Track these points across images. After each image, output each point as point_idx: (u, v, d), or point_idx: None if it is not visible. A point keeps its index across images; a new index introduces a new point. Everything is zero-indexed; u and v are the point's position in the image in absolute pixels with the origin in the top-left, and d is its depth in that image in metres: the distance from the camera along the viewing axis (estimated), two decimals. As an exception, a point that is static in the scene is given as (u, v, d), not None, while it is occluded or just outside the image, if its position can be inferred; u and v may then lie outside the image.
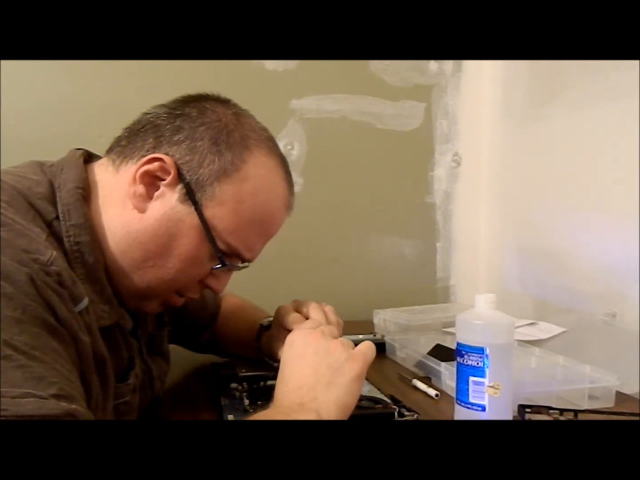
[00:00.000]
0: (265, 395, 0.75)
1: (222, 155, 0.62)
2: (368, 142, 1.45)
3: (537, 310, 1.27)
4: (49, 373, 0.46)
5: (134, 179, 0.62)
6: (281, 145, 1.24)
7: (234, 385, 0.82)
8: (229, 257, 0.65)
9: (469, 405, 0.68)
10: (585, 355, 0.97)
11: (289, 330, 0.70)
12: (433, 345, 0.94)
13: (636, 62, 0.97)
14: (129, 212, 0.62)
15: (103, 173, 0.65)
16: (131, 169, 0.62)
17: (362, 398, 0.61)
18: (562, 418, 0.71)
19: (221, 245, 0.64)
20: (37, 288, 0.48)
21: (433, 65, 1.48)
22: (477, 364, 0.66)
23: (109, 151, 0.66)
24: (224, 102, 0.67)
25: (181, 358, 0.94)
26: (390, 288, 1.47)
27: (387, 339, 1.07)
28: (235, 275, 0.71)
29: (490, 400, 0.66)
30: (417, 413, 0.72)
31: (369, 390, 0.78)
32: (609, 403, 0.78)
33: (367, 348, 0.62)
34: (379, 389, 0.79)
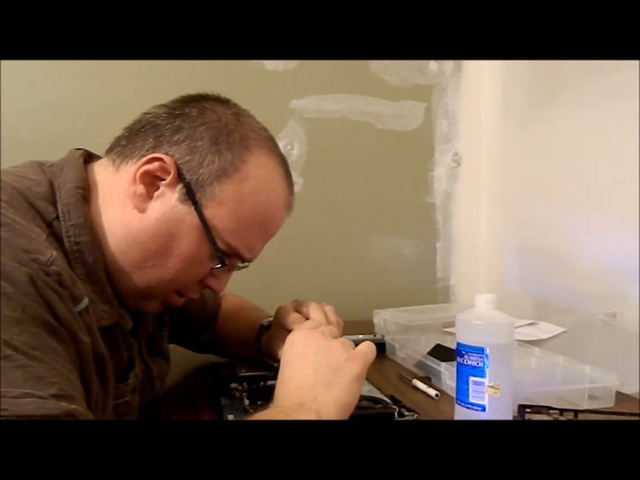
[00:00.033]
0: (265, 395, 0.75)
1: (222, 155, 0.62)
2: (368, 142, 1.45)
3: (537, 310, 1.27)
4: (49, 373, 0.46)
5: (134, 179, 0.62)
6: (281, 145, 1.24)
7: (234, 385, 0.82)
8: (229, 257, 0.65)
9: (469, 405, 0.68)
10: (585, 355, 0.97)
11: (289, 331, 0.70)
12: (433, 345, 0.94)
13: (636, 62, 0.97)
14: (129, 212, 0.62)
15: (103, 173, 0.65)
16: (131, 169, 0.62)
17: (362, 398, 0.61)
18: (562, 418, 0.71)
19: (221, 245, 0.64)
20: (37, 288, 0.48)
21: (433, 65, 1.49)
22: (477, 364, 0.66)
23: (109, 151, 0.66)
24: (224, 102, 0.67)
25: (181, 358, 0.94)
26: (390, 288, 1.47)
27: (387, 339, 1.07)
28: (235, 275, 0.71)
29: (490, 400, 0.66)
30: (417, 413, 0.72)
31: (369, 390, 0.78)
32: (609, 403, 0.78)
33: (367, 348, 0.62)
34: (379, 389, 0.79)
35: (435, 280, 1.53)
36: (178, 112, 0.64)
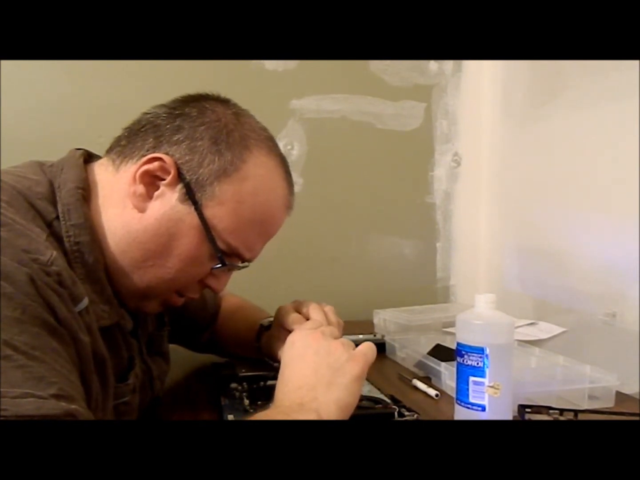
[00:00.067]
0: (265, 395, 0.75)
1: (222, 155, 0.62)
2: (368, 142, 1.45)
3: (537, 310, 1.27)
4: (48, 373, 0.46)
5: (134, 179, 0.62)
6: (281, 145, 1.24)
7: (234, 385, 0.82)
8: (229, 257, 0.65)
9: (469, 405, 0.68)
10: (585, 355, 0.97)
11: (290, 331, 0.70)
12: (433, 345, 0.94)
13: (636, 62, 0.97)
14: (129, 211, 0.62)
15: (103, 173, 0.65)
16: (131, 169, 0.62)
17: (362, 398, 0.61)
18: (562, 418, 0.71)
19: (221, 245, 0.64)
20: (37, 288, 0.48)
21: (433, 65, 1.49)
22: (477, 364, 0.66)
23: (109, 151, 0.66)
24: (224, 102, 0.67)
25: (181, 358, 0.94)
26: (390, 288, 1.47)
27: (387, 339, 1.07)
28: (235, 275, 0.71)
29: (490, 400, 0.66)
30: (417, 413, 0.72)
31: (369, 390, 0.78)
32: (609, 403, 0.78)
33: (367, 348, 0.62)
34: (379, 389, 0.79)
35: (435, 280, 1.53)
36: (178, 112, 0.64)
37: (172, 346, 0.84)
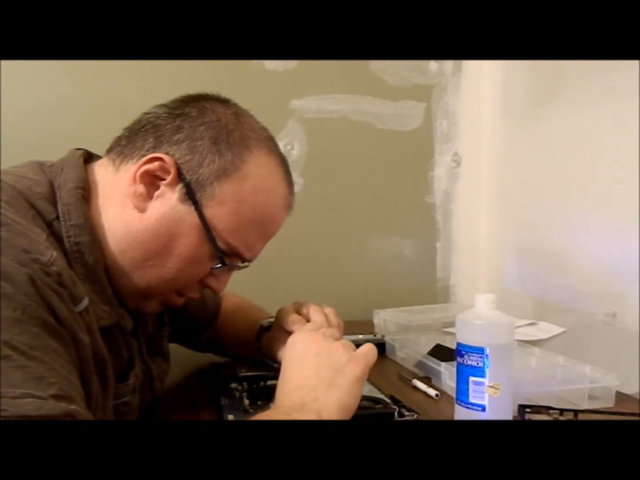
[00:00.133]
0: (265, 395, 0.75)
1: (222, 155, 0.62)
2: (368, 142, 1.45)
3: (537, 310, 1.27)
4: (48, 373, 0.46)
5: (134, 179, 0.62)
6: (281, 145, 1.24)
7: (234, 385, 0.82)
8: (229, 257, 0.65)
9: (469, 405, 0.68)
10: (585, 355, 0.97)
11: (290, 332, 0.70)
12: (433, 345, 0.94)
13: (636, 62, 0.97)
14: (129, 211, 0.62)
15: (103, 173, 0.65)
16: (131, 169, 0.62)
17: (362, 398, 0.61)
18: (562, 418, 0.71)
19: (221, 245, 0.64)
20: (37, 288, 0.48)
21: (433, 65, 1.49)
22: (477, 364, 0.66)
23: (109, 151, 0.66)
24: (224, 102, 0.67)
25: (181, 358, 0.94)
26: (390, 288, 1.47)
27: (387, 339, 1.07)
28: (235, 275, 0.71)
29: (490, 400, 0.66)
30: (417, 413, 0.72)
31: (369, 390, 0.78)
32: (609, 403, 0.78)
33: (368, 350, 0.62)
34: (379, 389, 0.79)
35: (435, 280, 1.53)
36: (178, 112, 0.64)
37: (172, 346, 0.84)
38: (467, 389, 0.67)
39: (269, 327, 0.83)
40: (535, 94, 1.31)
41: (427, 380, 0.88)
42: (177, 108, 0.65)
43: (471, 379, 0.67)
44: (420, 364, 0.94)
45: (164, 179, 0.62)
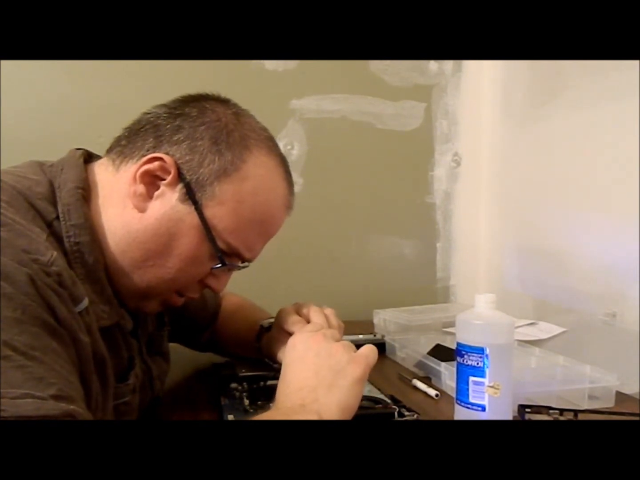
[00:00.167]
0: (265, 395, 0.75)
1: (222, 155, 0.62)
2: (368, 142, 1.45)
3: (537, 310, 1.27)
4: (48, 374, 0.46)
5: (134, 179, 0.62)
6: (281, 145, 1.24)
7: (234, 385, 0.82)
8: (229, 257, 0.65)
9: (469, 405, 0.68)
10: (585, 355, 0.97)
11: (290, 333, 0.70)
12: (433, 345, 0.94)
13: (636, 62, 0.97)
14: (129, 211, 0.62)
15: (103, 173, 0.65)
16: (131, 169, 0.62)
17: (363, 398, 0.61)
18: (562, 418, 0.71)
19: (221, 245, 0.64)
20: (37, 288, 0.48)
21: (433, 65, 1.49)
22: (477, 364, 0.66)
23: (109, 151, 0.66)
24: (224, 102, 0.67)
25: (181, 358, 0.94)
26: (390, 288, 1.47)
27: (387, 339, 1.07)
28: (235, 275, 0.71)
29: (490, 400, 0.66)
30: (417, 413, 0.72)
31: (369, 390, 0.78)
32: (609, 403, 0.78)
33: (369, 351, 0.62)
34: (379, 389, 0.79)
35: (435, 280, 1.53)
36: (178, 112, 0.64)
37: (172, 346, 0.84)
38: (467, 389, 0.67)
39: (269, 328, 0.83)
40: (535, 94, 1.31)
41: (427, 380, 0.88)
42: (177, 108, 0.65)
43: (471, 379, 0.67)
44: (420, 364, 0.94)
45: (164, 179, 0.62)
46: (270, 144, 0.68)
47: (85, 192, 0.62)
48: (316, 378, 0.58)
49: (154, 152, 0.62)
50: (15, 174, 0.60)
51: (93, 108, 1.24)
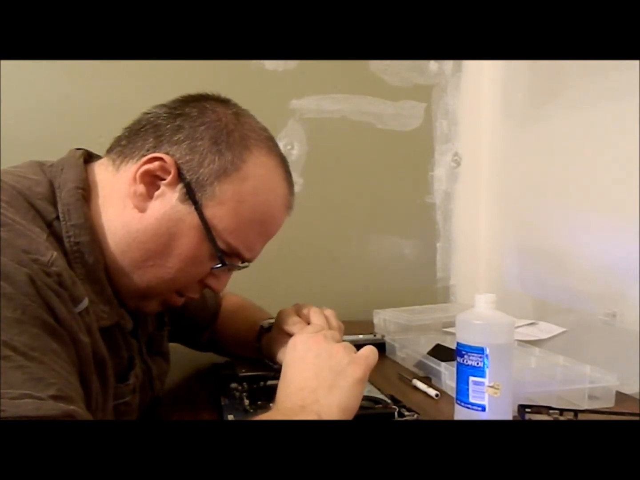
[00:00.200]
0: (265, 395, 0.76)
1: (222, 155, 0.62)
2: (368, 142, 1.45)
3: (537, 310, 1.27)
4: (48, 374, 0.46)
5: (134, 179, 0.62)
6: (281, 145, 1.24)
7: (234, 385, 0.82)
8: (229, 257, 0.65)
9: (469, 405, 0.68)
10: (585, 355, 0.97)
11: (290, 335, 0.70)
12: (433, 345, 0.94)
13: (636, 62, 0.97)
14: (129, 211, 0.62)
15: (103, 173, 0.65)
16: (131, 169, 0.62)
17: (363, 398, 0.61)
18: (562, 418, 0.71)
19: (221, 245, 0.64)
20: (37, 289, 0.48)
21: (433, 65, 1.49)
22: (477, 364, 0.66)
23: (109, 151, 0.66)
24: (224, 102, 0.67)
25: (181, 358, 0.94)
26: (390, 288, 1.47)
27: (387, 339, 1.07)
28: (235, 275, 0.71)
29: (490, 400, 0.66)
30: (417, 413, 0.72)
31: (369, 390, 0.78)
32: (609, 403, 0.78)
33: (369, 352, 0.61)
34: (379, 389, 0.79)
35: (435, 280, 1.53)
36: (178, 112, 0.64)
37: (172, 346, 0.84)
38: (467, 389, 0.67)
39: (269, 328, 0.83)
40: (535, 94, 1.31)
41: (427, 380, 0.88)
42: (178, 108, 0.65)
43: (471, 379, 0.67)
44: (420, 364, 0.94)
45: (164, 179, 0.62)
46: (270, 144, 0.68)
47: (85, 192, 0.62)
48: (316, 379, 0.58)
49: (154, 152, 0.62)
50: (15, 174, 0.60)
51: (93, 108, 1.24)
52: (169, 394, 0.83)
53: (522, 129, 1.36)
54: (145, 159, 0.62)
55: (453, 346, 0.71)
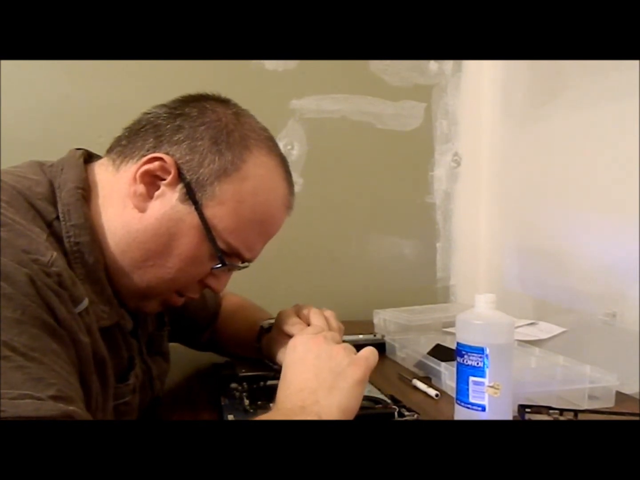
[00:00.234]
0: (265, 395, 0.75)
1: (222, 155, 0.62)
2: (368, 142, 1.45)
3: (537, 310, 1.27)
4: (47, 374, 0.46)
5: (134, 179, 0.62)
6: (281, 145, 1.24)
7: (234, 385, 0.82)
8: (229, 257, 0.65)
9: (469, 405, 0.68)
10: (585, 355, 0.97)
11: (290, 335, 0.70)
12: (433, 345, 0.94)
13: (636, 62, 0.97)
14: (129, 211, 0.62)
15: (103, 173, 0.65)
16: (131, 169, 0.62)
17: (363, 398, 0.61)
18: (562, 418, 0.71)
19: (221, 245, 0.64)
20: (37, 289, 0.48)
21: (433, 65, 1.49)
22: (477, 364, 0.66)
23: (109, 151, 0.66)
24: (224, 102, 0.67)
25: (181, 358, 0.94)
26: (390, 288, 1.47)
27: (387, 339, 1.07)
28: (235, 275, 0.71)
29: (490, 400, 0.66)
30: (417, 413, 0.72)
31: (369, 390, 0.78)
32: (609, 403, 0.78)
33: (369, 353, 0.61)
34: (379, 389, 0.79)
35: (435, 280, 1.53)
36: (178, 112, 0.64)
37: (172, 346, 0.84)
38: (467, 389, 0.67)
39: (269, 329, 0.83)
40: (535, 94, 1.31)
41: (427, 380, 0.88)
42: (178, 108, 0.65)
43: (471, 379, 0.67)
44: (420, 364, 0.94)
45: (164, 179, 0.62)
46: (271, 144, 0.68)
47: (85, 192, 0.62)
48: (316, 380, 0.58)
49: (154, 152, 0.62)
50: (15, 174, 0.60)
51: (93, 108, 1.24)
52: (169, 394, 0.83)
53: (522, 129, 1.36)
54: (145, 159, 0.62)
55: (453, 346, 0.71)
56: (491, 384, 0.66)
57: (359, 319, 1.21)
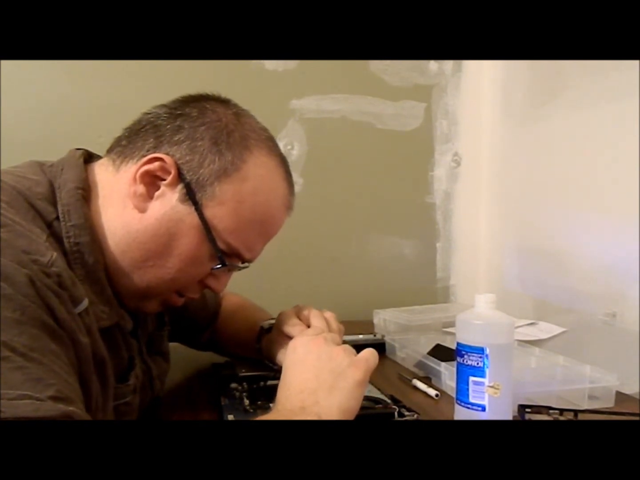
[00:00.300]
0: (265, 395, 0.75)
1: (223, 155, 0.62)
2: (368, 142, 1.45)
3: (537, 310, 1.27)
4: (47, 375, 0.46)
5: (134, 179, 0.62)
6: (281, 145, 1.24)
7: (234, 385, 0.82)
8: (229, 257, 0.65)
9: (469, 405, 0.68)
10: (585, 355, 0.97)
11: (290, 337, 0.70)
12: (433, 345, 0.94)
13: (636, 62, 0.97)
14: (129, 212, 0.62)
15: (103, 173, 0.65)
16: (131, 169, 0.62)
17: (363, 398, 0.61)
18: (562, 418, 0.71)
19: (221, 245, 0.64)
20: (37, 289, 0.48)
21: (433, 65, 1.49)
22: (477, 364, 0.66)
23: (109, 151, 0.66)
24: (224, 102, 0.67)
25: (181, 358, 0.94)
26: (390, 288, 1.47)
27: (387, 339, 1.07)
28: (235, 275, 0.71)
29: (490, 400, 0.66)
30: (417, 413, 0.72)
31: (369, 390, 0.78)
32: (609, 403, 0.78)
33: (369, 354, 0.61)
34: (379, 389, 0.79)
35: (435, 280, 1.53)
36: (178, 112, 0.64)
37: (172, 346, 0.84)
38: (467, 389, 0.67)
39: (269, 329, 0.83)
40: (535, 94, 1.31)
41: (427, 380, 0.88)
42: (178, 108, 0.65)
43: (471, 379, 0.67)
44: (420, 364, 0.94)
45: (164, 179, 0.62)
46: (271, 144, 0.68)
47: (85, 193, 0.62)
48: (317, 381, 0.58)
49: (154, 152, 0.62)
50: (15, 174, 0.60)
51: (93, 108, 1.24)
52: (169, 394, 0.83)
53: (522, 129, 1.36)
54: (145, 159, 0.62)
55: (453, 346, 0.71)
56: (491, 384, 0.66)
57: (359, 319, 1.21)
